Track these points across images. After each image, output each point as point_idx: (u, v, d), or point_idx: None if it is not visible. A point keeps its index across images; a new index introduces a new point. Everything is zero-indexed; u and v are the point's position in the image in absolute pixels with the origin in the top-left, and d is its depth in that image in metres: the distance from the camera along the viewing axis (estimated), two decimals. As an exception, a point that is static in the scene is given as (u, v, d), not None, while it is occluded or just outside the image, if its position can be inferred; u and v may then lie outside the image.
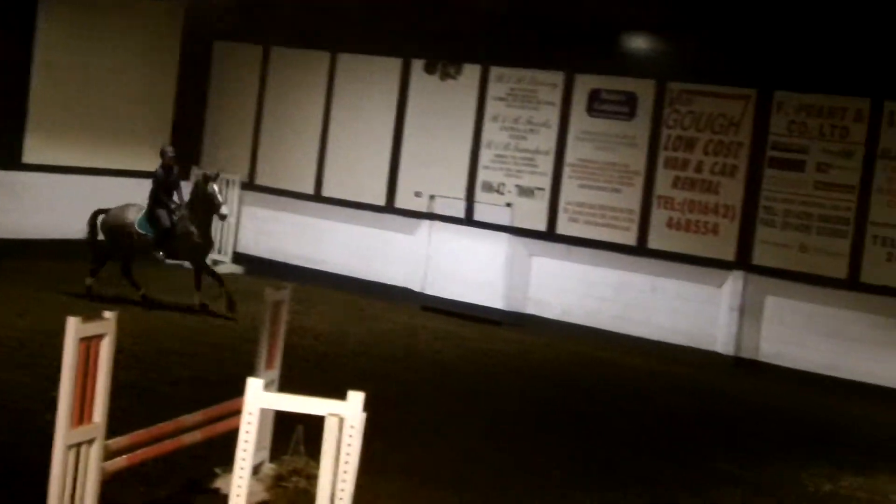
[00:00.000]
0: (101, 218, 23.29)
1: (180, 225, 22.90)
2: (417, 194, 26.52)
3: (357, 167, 27.32)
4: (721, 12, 22.64)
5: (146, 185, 22.97)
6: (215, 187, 22.81)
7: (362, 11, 26.27)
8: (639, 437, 17.12)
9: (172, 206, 23.01)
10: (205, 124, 29.55)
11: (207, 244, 23.42)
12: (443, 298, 25.61)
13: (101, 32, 27.49)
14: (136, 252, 23.23)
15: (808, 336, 22.42)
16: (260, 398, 8.45)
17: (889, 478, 7.68)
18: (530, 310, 24.91)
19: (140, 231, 23.00)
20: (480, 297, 25.33)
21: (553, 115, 25.32)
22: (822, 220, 22.59)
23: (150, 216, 22.96)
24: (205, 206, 22.81)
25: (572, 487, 14.06)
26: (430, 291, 25.99)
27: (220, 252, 27.54)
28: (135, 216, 23.12)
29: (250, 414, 8.43)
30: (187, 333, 20.34)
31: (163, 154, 23.21)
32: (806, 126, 22.82)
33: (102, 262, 23.10)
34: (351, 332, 22.27)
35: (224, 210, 23.04)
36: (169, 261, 23.53)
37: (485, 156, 26.02)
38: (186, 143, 28.28)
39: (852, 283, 22.21)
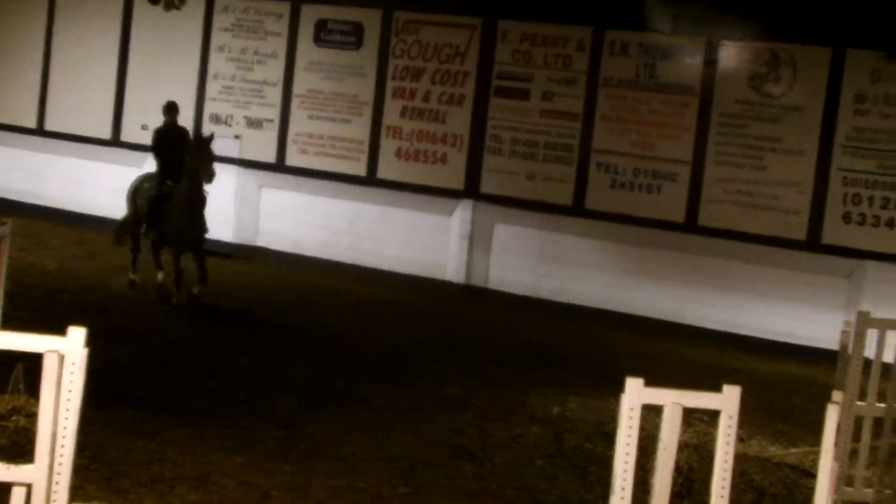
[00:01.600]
0: None
1: (170, 199, 19.56)
2: (144, 127, 26.18)
3: (82, 100, 26.91)
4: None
5: None
6: (211, 152, 19.32)
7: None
8: (370, 364, 17.22)
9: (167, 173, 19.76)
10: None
11: (193, 227, 19.45)
12: (172, 232, 25.45)
13: None
14: (137, 224, 20.36)
15: (535, 262, 22.79)
16: (-24, 335, 8.27)
17: (615, 398, 7.93)
18: (261, 242, 24.89)
19: (140, 201, 20.20)
20: (213, 230, 25.17)
21: (280, 46, 25.25)
22: (547, 148, 22.93)
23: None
24: (194, 179, 19.30)
25: (302, 413, 14.16)
26: (159, 225, 25.81)
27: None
28: (145, 183, 20.37)
29: (-35, 352, 8.26)
30: None
31: (164, 113, 20.68)
32: (530, 55, 23.12)
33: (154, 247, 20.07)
34: (78, 267, 21.98)
35: (212, 170, 19.17)
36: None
37: (212, 87, 25.85)
38: None
39: (577, 209, 22.61)
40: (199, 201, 19.33)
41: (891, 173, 20.55)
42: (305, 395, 14.94)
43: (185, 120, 25.56)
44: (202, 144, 19.37)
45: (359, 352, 18.00)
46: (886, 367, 12.57)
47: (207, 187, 19.37)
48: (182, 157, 19.39)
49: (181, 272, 19.27)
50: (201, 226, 19.44)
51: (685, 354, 19.63)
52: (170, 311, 19.41)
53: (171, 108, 20.46)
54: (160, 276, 20.00)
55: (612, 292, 22.00)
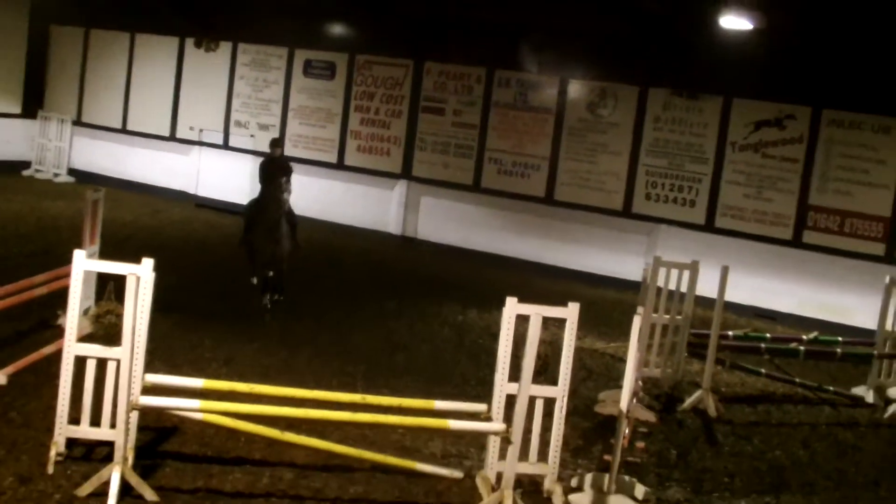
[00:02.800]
0: None
1: (260, 219, 14.67)
2: (191, 128, 26.11)
3: (150, 110, 26.66)
4: (391, 5, 22.65)
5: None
6: (282, 182, 14.43)
7: (148, 2, 25.61)
8: (336, 287, 17.31)
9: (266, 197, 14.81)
10: (46, 81, 28.36)
11: (273, 243, 14.53)
12: (209, 199, 25.29)
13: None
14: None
15: (448, 222, 22.82)
16: (83, 263, 8.40)
17: (498, 311, 8.13)
18: (267, 206, 24.75)
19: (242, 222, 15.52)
20: (234, 197, 24.98)
21: (280, 76, 25.06)
22: (456, 147, 22.96)
23: None
24: (275, 200, 14.48)
25: (291, 318, 14.39)
26: (201, 194, 25.62)
27: (57, 167, 27.05)
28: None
29: (77, 274, 8.36)
30: (36, 222, 19.72)
31: (272, 146, 16.05)
32: (445, 85, 23.11)
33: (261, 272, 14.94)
34: (147, 221, 21.86)
35: (287, 188, 14.44)
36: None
37: (236, 102, 25.61)
38: (35, 91, 27.99)
39: (476, 187, 22.66)
40: (279, 220, 14.41)
41: (676, 169, 20.76)
42: (293, 307, 15.03)
43: (217, 123, 25.56)
44: (283, 169, 14.91)
45: (328, 279, 18.07)
46: (671, 293, 12.87)
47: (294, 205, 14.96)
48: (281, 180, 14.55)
49: (266, 281, 14.71)
50: (280, 243, 14.50)
51: (543, 284, 19.77)
52: (204, 251, 19.34)
53: (274, 144, 16.03)
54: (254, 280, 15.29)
55: (497, 242, 22.05)
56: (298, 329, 13.89)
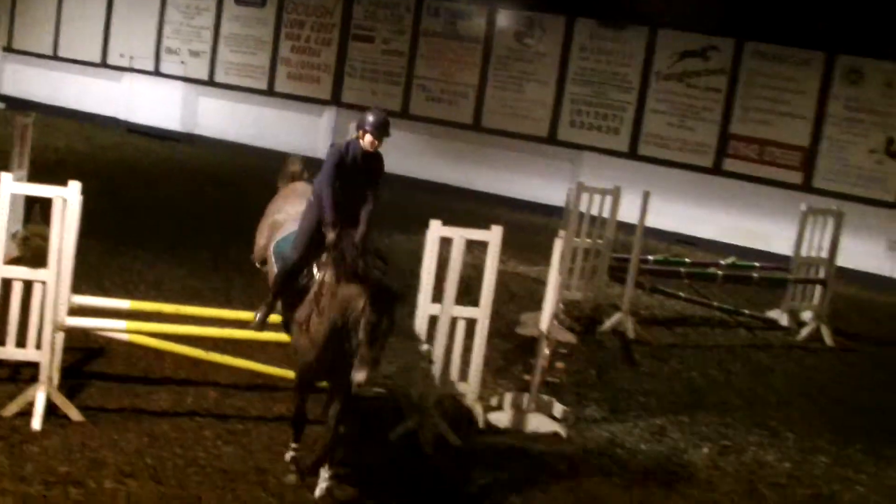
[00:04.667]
0: None
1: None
2: (122, 55, 25.63)
3: (82, 36, 26.11)
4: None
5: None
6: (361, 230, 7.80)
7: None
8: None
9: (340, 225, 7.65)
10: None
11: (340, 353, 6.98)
12: (141, 124, 24.91)
13: None
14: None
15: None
16: (9, 186, 8.22)
17: (423, 234, 8.18)
18: (199, 131, 24.39)
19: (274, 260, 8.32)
20: (165, 123, 24.73)
21: (212, 4, 24.68)
22: (385, 75, 22.83)
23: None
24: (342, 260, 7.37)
25: (224, 243, 14.05)
26: (132, 120, 25.19)
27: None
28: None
29: (3, 197, 8.19)
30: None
31: (360, 125, 8.05)
32: (375, 14, 22.93)
33: None
34: (79, 147, 21.52)
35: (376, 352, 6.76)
36: None
37: (167, 29, 25.15)
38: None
39: (404, 114, 22.44)
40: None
41: (601, 97, 20.82)
42: (226, 231, 14.83)
43: (148, 50, 25.12)
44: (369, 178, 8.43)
45: (260, 203, 17.89)
46: (593, 218, 12.92)
47: None
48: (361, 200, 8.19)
49: (301, 414, 7.49)
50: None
51: (470, 209, 19.72)
52: (136, 176, 19.05)
53: (375, 125, 8.11)
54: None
55: (425, 169, 21.94)
56: (231, 253, 13.72)
